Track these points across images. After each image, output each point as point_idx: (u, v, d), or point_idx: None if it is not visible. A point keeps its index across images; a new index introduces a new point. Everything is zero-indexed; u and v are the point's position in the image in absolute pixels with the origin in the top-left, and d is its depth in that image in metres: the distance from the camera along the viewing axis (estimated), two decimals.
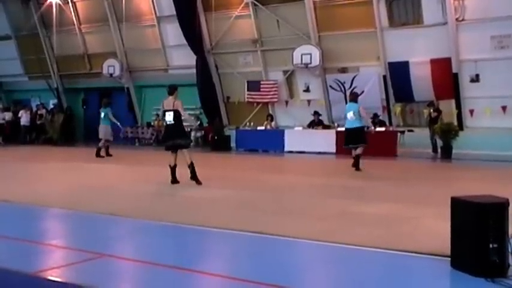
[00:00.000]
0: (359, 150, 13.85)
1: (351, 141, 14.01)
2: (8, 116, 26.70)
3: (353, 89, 20.05)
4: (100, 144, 17.84)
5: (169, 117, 10.88)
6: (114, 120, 18.20)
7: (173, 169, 11.00)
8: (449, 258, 4.99)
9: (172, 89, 11.05)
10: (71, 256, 5.49)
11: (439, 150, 18.29)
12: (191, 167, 10.89)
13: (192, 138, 24.20)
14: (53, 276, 4.72)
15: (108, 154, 18.06)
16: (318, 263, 5.55)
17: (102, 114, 17.97)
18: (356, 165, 13.71)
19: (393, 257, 5.47)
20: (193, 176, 10.88)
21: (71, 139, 25.82)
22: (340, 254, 5.70)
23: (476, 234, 4.73)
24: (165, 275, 4.82)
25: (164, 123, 11.22)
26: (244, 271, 4.98)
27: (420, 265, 5.23)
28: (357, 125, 13.87)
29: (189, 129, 24.44)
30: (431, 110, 18.96)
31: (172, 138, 11.03)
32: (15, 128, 26.52)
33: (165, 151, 11.25)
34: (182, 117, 10.98)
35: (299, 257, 5.73)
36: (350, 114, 13.85)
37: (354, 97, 14.46)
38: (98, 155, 17.66)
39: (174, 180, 10.96)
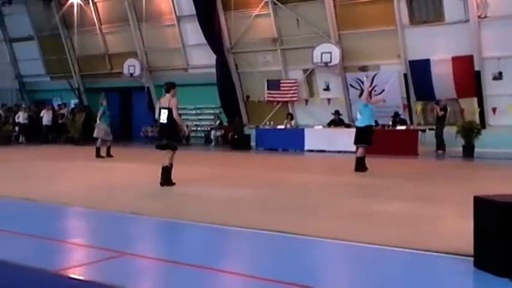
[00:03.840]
0: (359, 152, 13.10)
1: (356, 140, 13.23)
2: (22, 117, 26.26)
3: (373, 88, 19.97)
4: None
5: (163, 115, 10.33)
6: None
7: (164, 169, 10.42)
8: (473, 258, 4.93)
9: (169, 87, 10.47)
10: (93, 254, 5.52)
11: (461, 148, 18.10)
12: (165, 169, 10.34)
13: (212, 137, 24.35)
14: (75, 274, 4.75)
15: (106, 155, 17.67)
16: (339, 262, 5.52)
17: (108, 113, 18.00)
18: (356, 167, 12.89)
19: (415, 257, 5.41)
20: (165, 180, 10.30)
21: (92, 138, 25.95)
22: (361, 253, 5.66)
23: (499, 234, 4.66)
24: (186, 274, 4.83)
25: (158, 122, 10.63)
26: (265, 270, 4.97)
27: (443, 265, 5.16)
28: (360, 124, 13.20)
29: (208, 128, 24.67)
30: (438, 109, 18.73)
31: (163, 137, 10.51)
32: (33, 129, 26.49)
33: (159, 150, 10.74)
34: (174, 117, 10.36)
35: (320, 256, 5.69)
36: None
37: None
38: (107, 155, 17.61)
39: (166, 181, 10.36)
